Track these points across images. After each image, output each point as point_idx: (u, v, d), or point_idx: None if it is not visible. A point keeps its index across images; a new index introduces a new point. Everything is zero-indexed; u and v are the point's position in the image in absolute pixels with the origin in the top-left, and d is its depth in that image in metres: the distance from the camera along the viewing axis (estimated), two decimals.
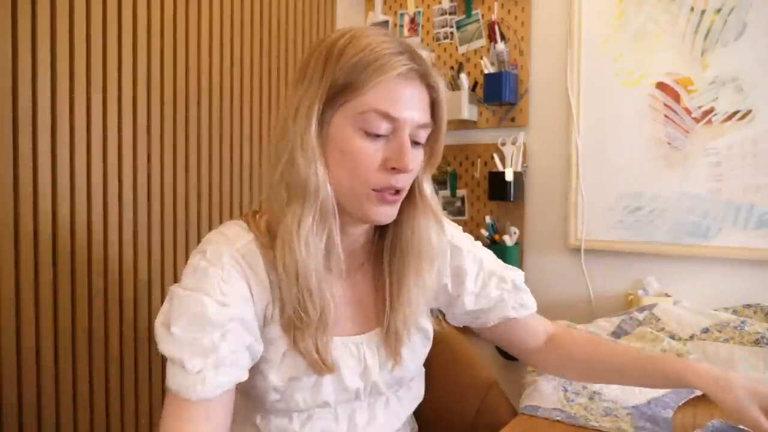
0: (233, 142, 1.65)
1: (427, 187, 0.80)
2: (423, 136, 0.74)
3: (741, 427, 0.80)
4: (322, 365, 0.73)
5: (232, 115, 1.64)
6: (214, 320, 0.66)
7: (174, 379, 0.66)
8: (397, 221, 0.79)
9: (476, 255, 0.91)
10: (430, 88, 0.73)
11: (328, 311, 0.73)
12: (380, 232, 0.84)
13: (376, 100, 0.68)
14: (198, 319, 0.66)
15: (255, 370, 0.74)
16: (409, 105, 0.70)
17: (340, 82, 0.69)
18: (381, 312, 0.81)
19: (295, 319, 0.72)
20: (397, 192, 0.73)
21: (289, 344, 0.74)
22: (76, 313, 1.27)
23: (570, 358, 0.92)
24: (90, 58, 1.28)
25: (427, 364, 0.98)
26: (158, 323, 0.70)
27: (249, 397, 0.79)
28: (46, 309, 1.22)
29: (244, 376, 0.69)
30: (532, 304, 0.93)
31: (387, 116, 0.69)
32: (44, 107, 1.21)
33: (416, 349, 0.86)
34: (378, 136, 0.70)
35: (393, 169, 0.70)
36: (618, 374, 0.89)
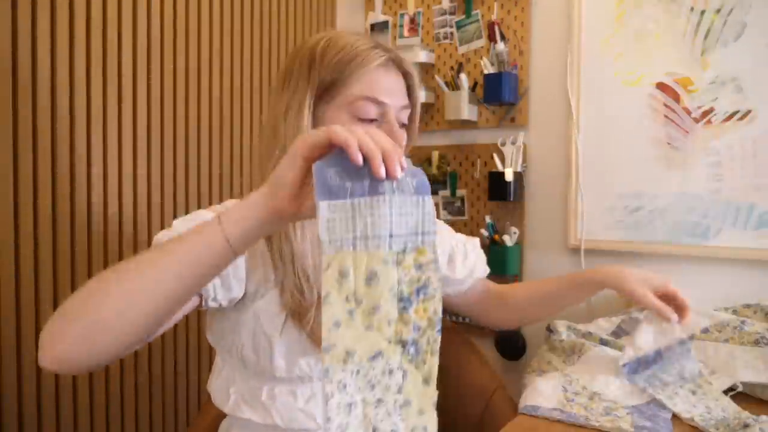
0: (233, 142, 1.65)
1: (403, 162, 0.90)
2: (405, 117, 0.84)
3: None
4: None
5: (232, 114, 1.65)
6: (206, 219, 0.74)
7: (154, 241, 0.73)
8: None
9: (450, 230, 1.11)
10: (406, 75, 0.84)
11: None
12: None
13: (363, 89, 0.79)
14: (196, 216, 0.77)
15: (259, 340, 0.79)
16: (391, 90, 0.81)
17: (327, 79, 0.79)
18: None
19: (294, 302, 0.76)
20: None
21: (289, 322, 0.78)
22: None
23: (516, 302, 1.11)
24: (90, 57, 1.28)
25: None
26: None
27: (255, 372, 0.81)
28: (46, 309, 1.22)
29: None
30: (487, 266, 1.16)
31: (375, 101, 0.79)
32: (44, 107, 1.21)
33: None
34: (370, 121, 0.79)
35: None
36: (552, 298, 1.08)
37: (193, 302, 0.73)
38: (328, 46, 0.80)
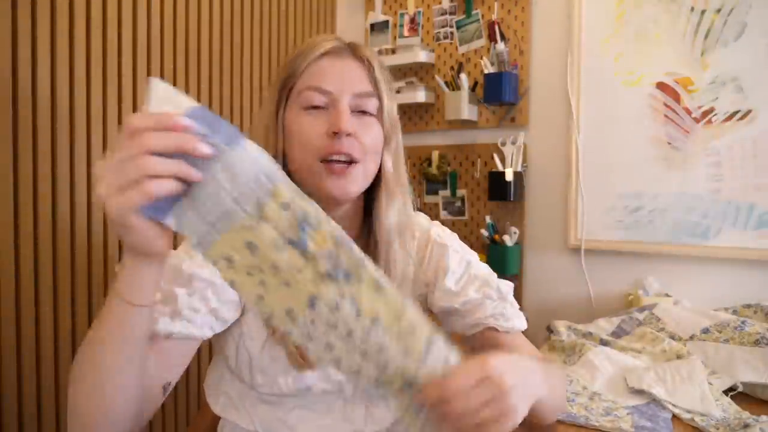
0: None
1: (388, 164, 0.79)
2: (370, 106, 0.77)
3: None
4: (299, 359, 0.74)
5: (231, 114, 1.65)
6: (184, 273, 0.70)
7: None
8: (372, 209, 0.80)
9: (463, 256, 0.87)
10: (363, 63, 0.78)
11: None
12: (365, 223, 0.83)
13: (308, 79, 0.76)
14: (171, 271, 0.71)
15: (242, 355, 0.77)
16: (340, 77, 0.75)
17: (283, 77, 0.78)
18: None
19: None
20: (350, 164, 0.74)
21: (267, 335, 0.76)
22: (76, 312, 1.28)
23: None
24: (90, 57, 1.28)
25: None
26: None
27: (240, 380, 0.81)
28: (46, 309, 1.22)
29: (198, 334, 0.71)
30: (517, 321, 0.83)
31: (320, 90, 0.75)
32: (44, 107, 1.21)
33: None
34: (316, 108, 0.75)
35: (335, 134, 0.73)
36: None
37: (192, 345, 0.72)
38: (295, 49, 0.80)
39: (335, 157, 0.73)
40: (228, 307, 0.74)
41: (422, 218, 0.90)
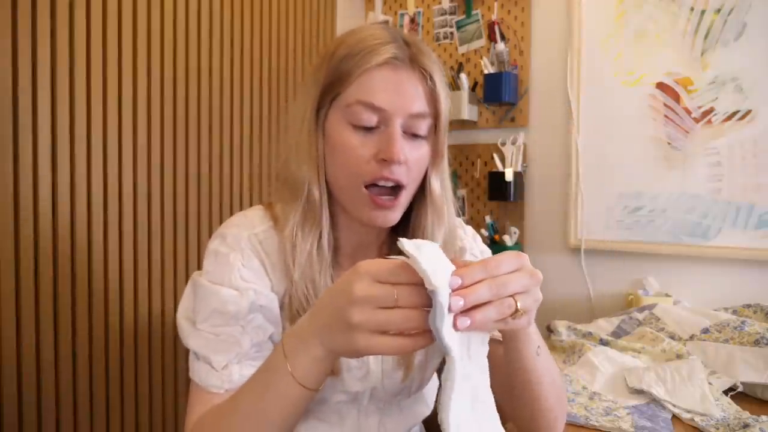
0: (233, 141, 1.65)
1: (436, 184, 0.75)
2: (423, 127, 0.70)
3: None
4: None
5: (232, 114, 1.65)
6: (235, 314, 0.68)
7: (200, 374, 0.68)
8: (409, 221, 0.76)
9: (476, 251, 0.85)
10: (423, 76, 0.70)
11: None
12: (395, 230, 0.79)
13: (359, 91, 0.68)
14: (220, 313, 0.68)
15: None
16: (396, 94, 0.68)
17: (330, 78, 0.70)
18: None
19: (296, 314, 0.72)
20: (398, 191, 0.70)
21: None
22: (76, 312, 1.28)
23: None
24: (90, 58, 1.28)
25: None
26: (181, 316, 0.72)
27: None
28: (47, 309, 1.22)
29: None
30: None
31: (371, 107, 0.67)
32: (44, 107, 1.21)
33: (430, 360, 0.82)
34: (366, 129, 0.69)
35: (384, 161, 0.68)
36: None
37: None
38: (342, 42, 0.71)
39: (382, 183, 0.69)
40: (276, 326, 0.73)
41: (458, 222, 0.85)
